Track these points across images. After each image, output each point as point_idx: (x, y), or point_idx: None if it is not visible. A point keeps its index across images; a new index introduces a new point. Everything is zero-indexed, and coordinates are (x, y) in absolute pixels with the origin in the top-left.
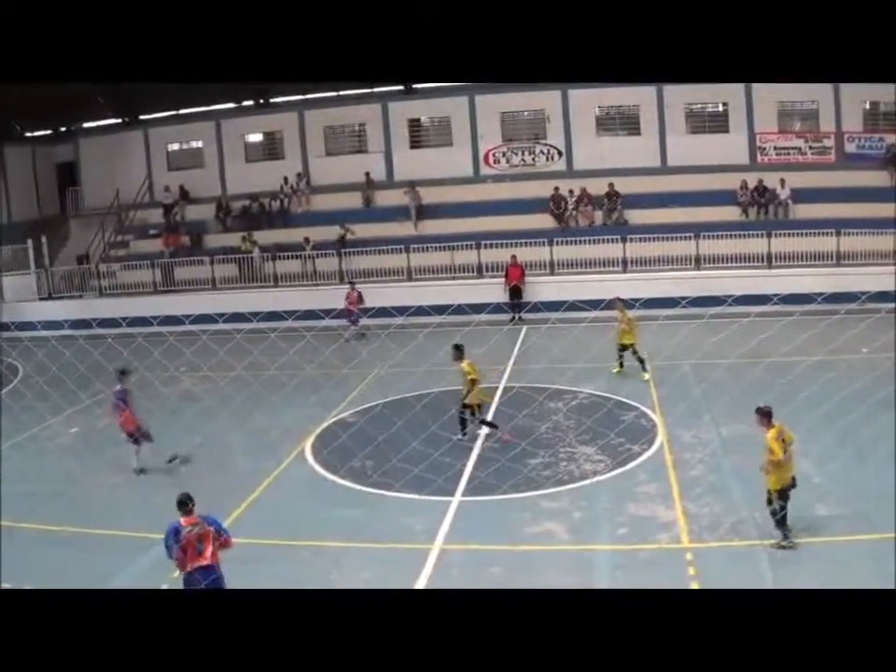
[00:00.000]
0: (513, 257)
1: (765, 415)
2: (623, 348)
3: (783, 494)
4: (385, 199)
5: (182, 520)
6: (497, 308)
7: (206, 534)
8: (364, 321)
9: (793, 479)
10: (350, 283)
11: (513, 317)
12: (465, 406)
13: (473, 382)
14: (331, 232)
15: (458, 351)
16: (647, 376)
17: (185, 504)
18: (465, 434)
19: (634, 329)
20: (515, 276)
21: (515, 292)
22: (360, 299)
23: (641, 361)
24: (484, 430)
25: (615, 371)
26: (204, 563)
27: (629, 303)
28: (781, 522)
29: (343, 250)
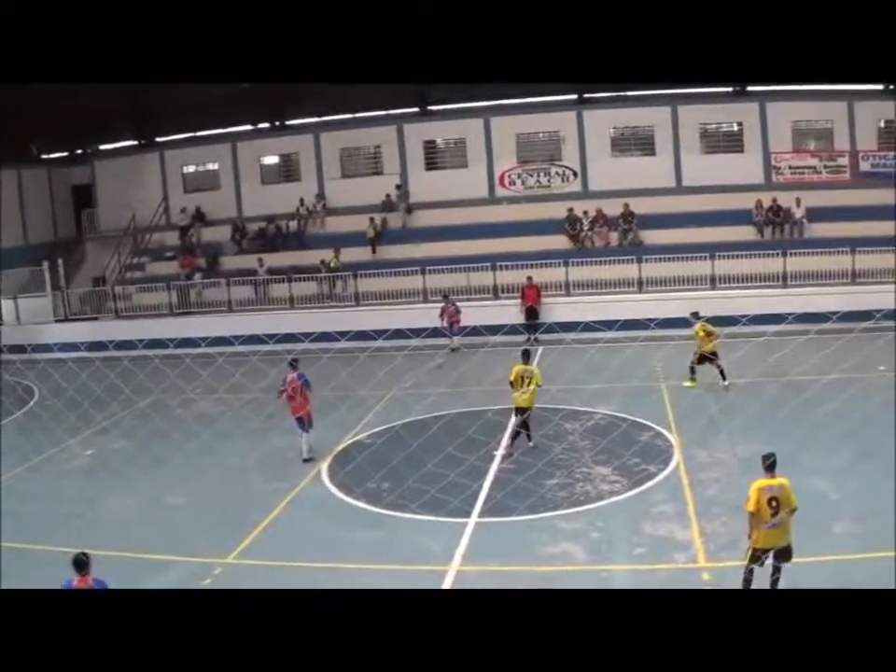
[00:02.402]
0: (529, 278)
1: (764, 463)
2: (704, 359)
3: (754, 555)
4: (398, 221)
5: (75, 580)
6: (512, 329)
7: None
8: (380, 343)
9: (785, 549)
10: (444, 297)
11: (529, 338)
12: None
13: (511, 384)
14: (348, 255)
15: (526, 357)
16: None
17: (81, 564)
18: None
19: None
20: (531, 297)
21: (531, 313)
22: (457, 312)
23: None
24: (502, 451)
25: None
26: None
27: (645, 324)
28: (746, 583)
29: (342, 275)
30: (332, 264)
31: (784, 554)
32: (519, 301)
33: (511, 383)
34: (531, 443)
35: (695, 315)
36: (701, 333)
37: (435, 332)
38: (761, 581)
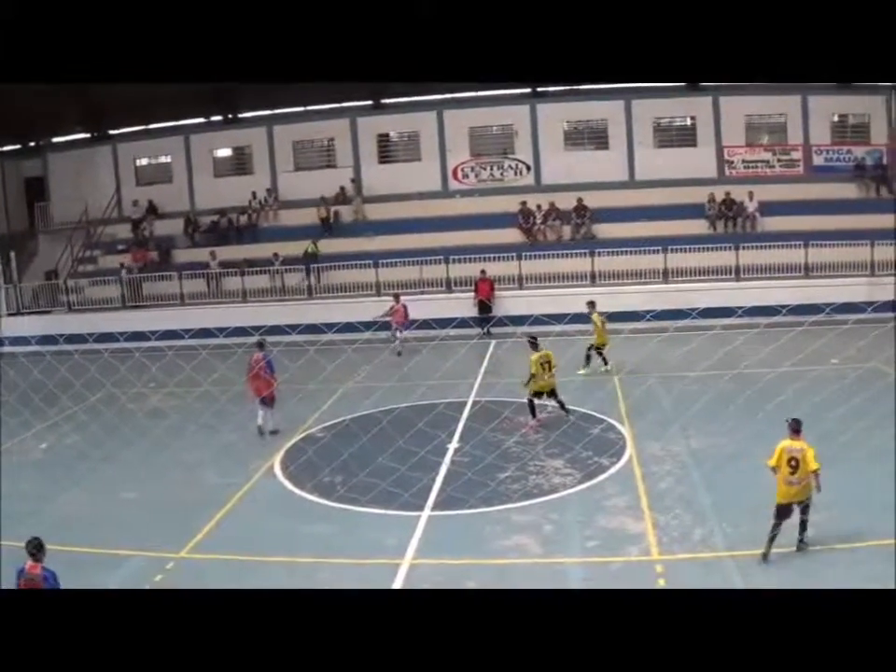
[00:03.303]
0: (482, 271)
1: (791, 427)
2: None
3: (778, 511)
4: (352, 214)
5: (28, 564)
6: (463, 322)
7: (38, 586)
8: (330, 336)
9: (804, 505)
10: (395, 295)
11: (481, 332)
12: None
13: (533, 375)
14: (300, 247)
15: (533, 340)
16: (583, 372)
17: (34, 550)
18: (534, 417)
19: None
20: (484, 291)
21: (483, 307)
22: (406, 312)
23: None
24: (454, 444)
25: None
26: None
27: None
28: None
29: (311, 265)
30: (310, 250)
31: (805, 509)
32: (473, 293)
33: (534, 374)
34: (569, 417)
35: (592, 305)
36: (599, 324)
37: (386, 326)
38: (762, 581)
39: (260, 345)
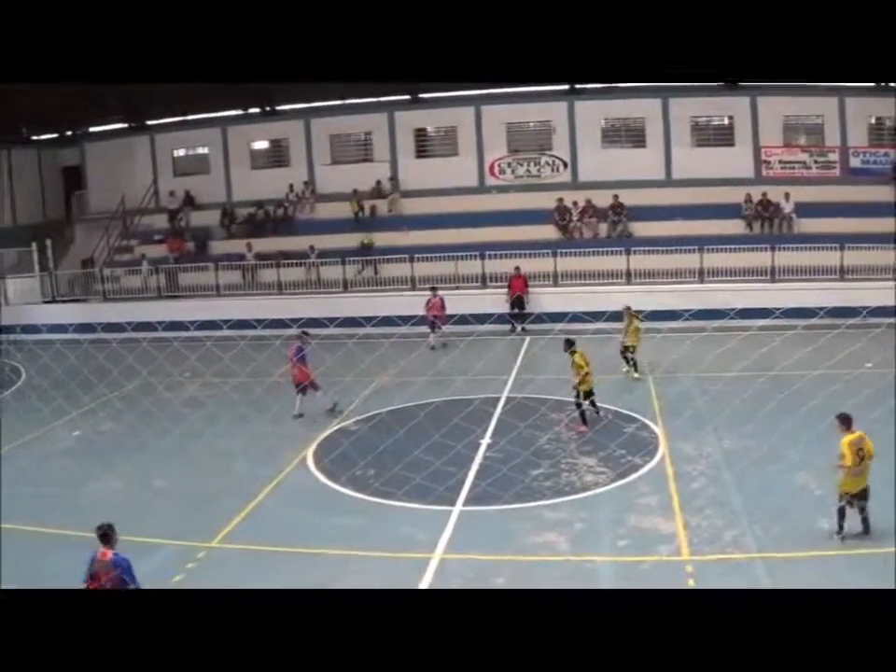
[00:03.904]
0: (517, 268)
1: (844, 421)
2: (626, 350)
3: (851, 498)
4: (388, 208)
5: (100, 551)
6: (500, 318)
7: (110, 573)
8: (368, 330)
9: (864, 490)
10: (432, 289)
11: (515, 328)
12: (584, 395)
13: (587, 374)
14: (335, 240)
15: (570, 344)
16: (636, 375)
17: (105, 536)
18: (584, 417)
19: (640, 335)
20: (518, 287)
21: (518, 303)
22: (443, 305)
23: (635, 363)
24: (487, 440)
25: (624, 370)
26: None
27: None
28: (840, 517)
29: (366, 258)
30: (365, 241)
31: (865, 493)
32: (506, 290)
33: (588, 372)
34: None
35: (629, 309)
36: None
37: (423, 320)
38: (792, 584)
39: (304, 334)
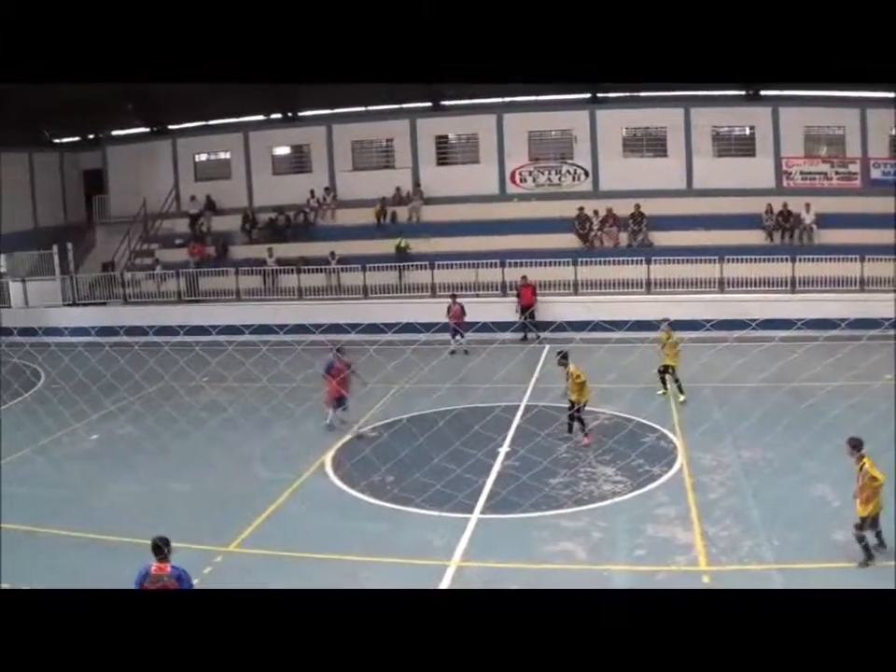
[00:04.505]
0: (524, 277)
1: (856, 446)
2: (665, 370)
3: (874, 521)
4: (409, 215)
5: (154, 566)
6: (522, 326)
7: (169, 587)
8: (389, 337)
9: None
10: (452, 296)
11: (526, 337)
12: (574, 406)
13: (583, 384)
14: (356, 247)
15: (564, 358)
16: (683, 398)
17: (159, 549)
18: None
19: (678, 352)
20: (527, 296)
21: (525, 312)
22: (463, 312)
23: (678, 384)
24: (506, 448)
25: (661, 392)
26: None
27: (654, 325)
28: (867, 546)
29: (403, 263)
30: (402, 244)
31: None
32: (516, 299)
33: (584, 382)
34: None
35: (668, 323)
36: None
37: (445, 327)
38: (751, 582)
39: (339, 351)
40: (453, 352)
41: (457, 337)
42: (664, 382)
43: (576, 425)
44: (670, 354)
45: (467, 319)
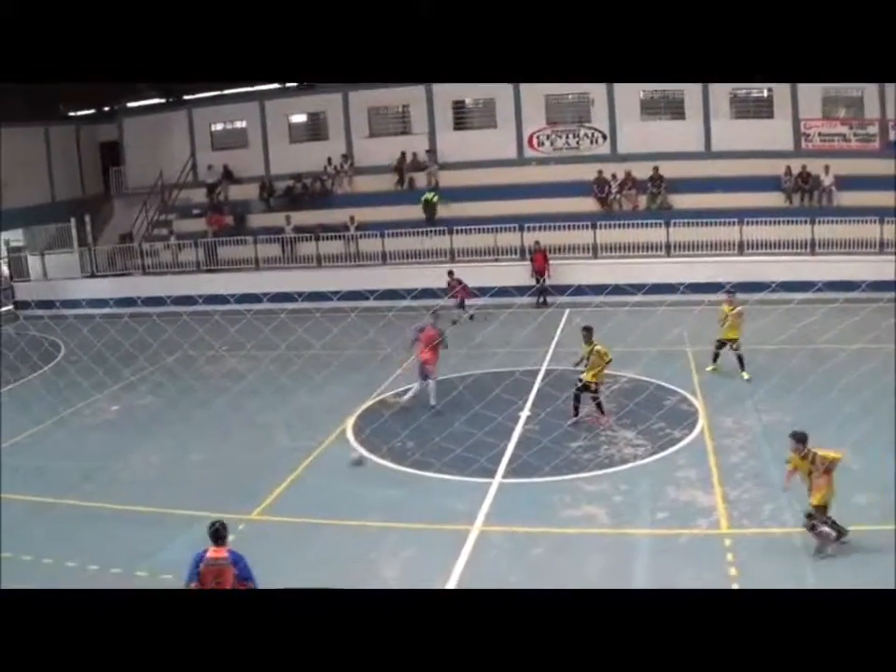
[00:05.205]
0: (537, 242)
1: (800, 440)
2: (722, 344)
3: (825, 509)
4: (424, 180)
5: (210, 550)
6: (542, 290)
7: (226, 572)
8: (408, 303)
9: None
10: (449, 273)
11: (538, 301)
12: (586, 386)
13: (608, 362)
14: (374, 214)
15: (588, 333)
16: (747, 376)
17: (218, 534)
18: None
19: (741, 322)
20: (539, 262)
21: (538, 277)
22: (463, 287)
23: (741, 359)
24: (526, 412)
25: (710, 368)
26: None
27: (673, 288)
28: (833, 524)
29: (431, 229)
30: (432, 199)
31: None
32: (529, 264)
33: (609, 361)
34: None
35: (730, 292)
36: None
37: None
38: (797, 568)
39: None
40: (454, 322)
41: (461, 310)
42: (716, 357)
43: (584, 408)
44: (734, 325)
45: (486, 284)
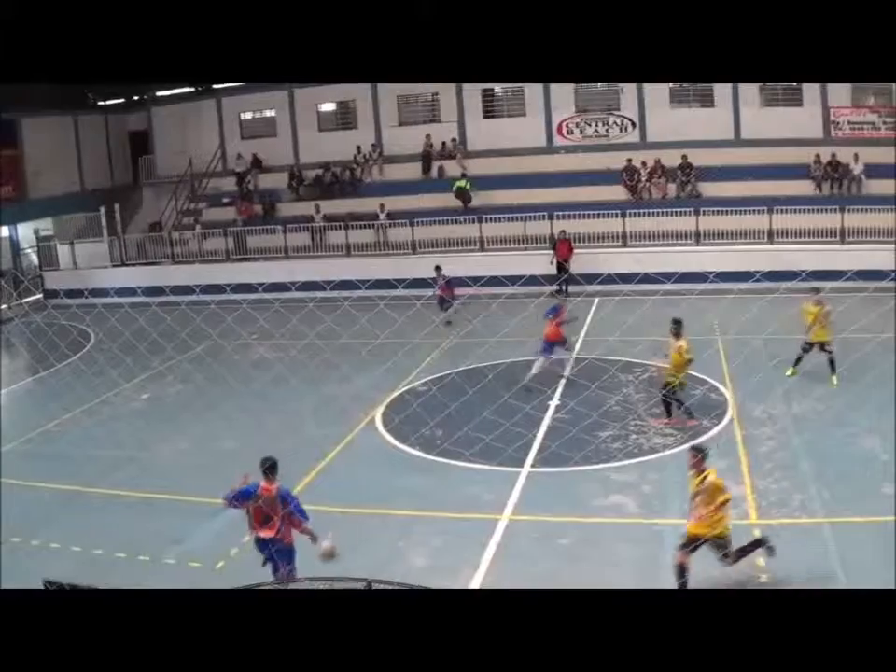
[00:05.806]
0: (562, 231)
1: (699, 453)
2: (811, 346)
3: (724, 543)
4: (456, 169)
5: (262, 484)
6: (571, 279)
7: (276, 508)
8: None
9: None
10: (436, 268)
11: (560, 291)
12: (670, 385)
13: (688, 362)
14: (403, 203)
15: (678, 326)
16: (836, 380)
17: (271, 470)
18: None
19: (829, 323)
20: (563, 251)
21: (560, 267)
22: (450, 287)
23: (832, 363)
24: (556, 401)
25: (789, 373)
26: (266, 535)
27: (703, 277)
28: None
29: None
30: (466, 186)
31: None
32: (552, 253)
33: (690, 360)
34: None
35: (816, 290)
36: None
37: (492, 281)
38: (826, 558)
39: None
40: (448, 322)
41: (445, 306)
42: (799, 360)
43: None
44: (824, 325)
45: (515, 272)
